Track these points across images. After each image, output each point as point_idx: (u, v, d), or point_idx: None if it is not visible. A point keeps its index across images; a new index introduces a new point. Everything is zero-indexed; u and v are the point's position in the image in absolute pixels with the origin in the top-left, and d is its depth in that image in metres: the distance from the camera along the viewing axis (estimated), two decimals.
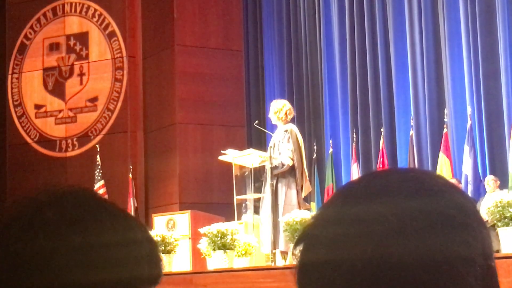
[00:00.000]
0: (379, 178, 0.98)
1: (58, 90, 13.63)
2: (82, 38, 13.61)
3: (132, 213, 10.54)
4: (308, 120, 13.19)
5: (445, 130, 11.15)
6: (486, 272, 0.93)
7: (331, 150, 12.61)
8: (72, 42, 13.65)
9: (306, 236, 0.95)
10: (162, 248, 8.57)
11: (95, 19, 13.54)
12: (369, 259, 0.89)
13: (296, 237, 0.96)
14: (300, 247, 0.95)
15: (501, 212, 6.65)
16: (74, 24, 13.70)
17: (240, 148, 10.20)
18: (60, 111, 13.56)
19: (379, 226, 0.90)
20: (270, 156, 8.74)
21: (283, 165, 8.85)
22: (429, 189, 0.94)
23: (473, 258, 0.92)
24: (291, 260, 8.36)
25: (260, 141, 12.50)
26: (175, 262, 8.90)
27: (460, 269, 0.90)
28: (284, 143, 8.97)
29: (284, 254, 8.71)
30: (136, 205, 12.47)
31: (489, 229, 1.03)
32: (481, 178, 11.00)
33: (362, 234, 0.90)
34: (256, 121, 9.94)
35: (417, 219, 0.91)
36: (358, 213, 0.92)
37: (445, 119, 11.34)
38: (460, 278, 0.90)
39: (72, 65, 13.60)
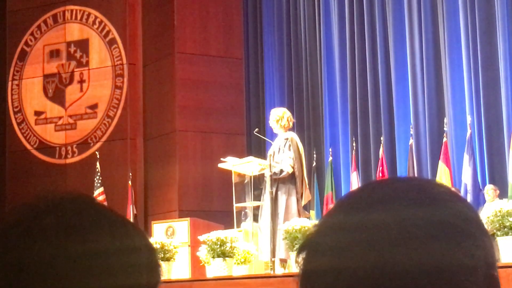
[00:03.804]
0: (381, 187, 0.97)
1: (58, 97, 13.63)
2: (83, 45, 13.62)
3: (132, 220, 10.51)
4: (307, 128, 13.17)
5: (444, 139, 11.14)
6: (488, 281, 0.93)
7: (330, 158, 12.59)
8: (72, 49, 13.66)
9: (309, 244, 0.95)
10: (161, 255, 8.55)
11: (95, 26, 13.55)
12: (372, 267, 0.89)
13: (298, 245, 0.96)
14: (303, 255, 0.95)
15: (500, 222, 6.65)
16: (74, 31, 13.71)
17: (240, 156, 10.19)
18: (60, 118, 13.56)
19: (381, 235, 0.90)
20: (270, 164, 8.73)
21: (282, 171, 8.85)
22: (431, 198, 0.94)
23: (476, 267, 0.91)
24: (290, 268, 8.35)
25: (260, 149, 12.49)
26: (174, 270, 8.89)
27: (462, 278, 0.90)
28: (285, 151, 8.96)
29: (283, 262, 8.69)
30: (135, 212, 12.46)
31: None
32: (481, 187, 10.99)
33: (365, 242, 0.90)
34: (256, 129, 9.94)
35: (419, 227, 0.90)
36: (360, 221, 0.92)
37: (445, 128, 11.33)
38: (462, 287, 0.90)
39: (72, 72, 13.61)
